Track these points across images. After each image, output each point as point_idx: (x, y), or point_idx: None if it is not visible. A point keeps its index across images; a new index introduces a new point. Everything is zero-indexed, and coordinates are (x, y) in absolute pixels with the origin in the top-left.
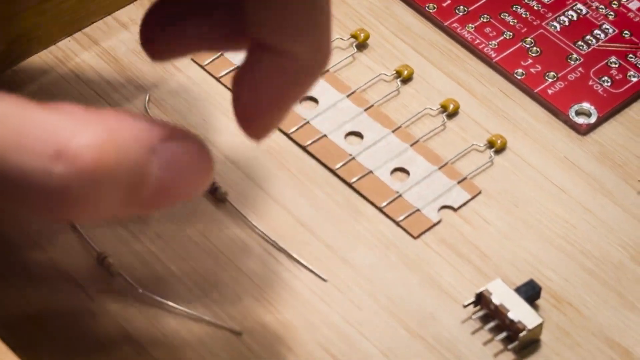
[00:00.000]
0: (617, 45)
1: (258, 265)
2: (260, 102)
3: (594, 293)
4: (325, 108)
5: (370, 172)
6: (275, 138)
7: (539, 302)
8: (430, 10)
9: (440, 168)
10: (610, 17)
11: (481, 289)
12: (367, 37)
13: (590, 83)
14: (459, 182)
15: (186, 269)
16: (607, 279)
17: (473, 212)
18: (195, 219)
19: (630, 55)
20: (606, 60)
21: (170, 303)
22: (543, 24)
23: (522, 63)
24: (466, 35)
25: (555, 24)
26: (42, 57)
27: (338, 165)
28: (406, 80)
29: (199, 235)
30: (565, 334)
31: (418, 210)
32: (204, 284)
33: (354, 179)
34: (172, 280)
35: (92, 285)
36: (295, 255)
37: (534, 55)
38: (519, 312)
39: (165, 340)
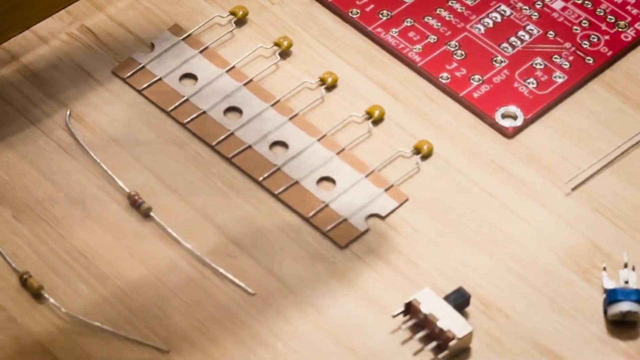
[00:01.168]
0: (542, 46)
1: (184, 281)
2: None
3: (524, 298)
4: (249, 118)
5: (296, 182)
6: (199, 150)
7: (469, 309)
8: (354, 16)
9: (367, 176)
10: (534, 17)
11: (410, 299)
12: (290, 45)
13: (516, 85)
14: (386, 190)
15: (111, 287)
16: (536, 283)
17: (401, 220)
18: (120, 235)
19: (555, 56)
20: (531, 62)
21: (96, 323)
22: (467, 26)
23: (447, 67)
24: (390, 40)
25: (479, 26)
26: None
27: (263, 176)
28: (330, 87)
29: (124, 251)
30: (495, 341)
31: (345, 219)
32: (129, 302)
33: (279, 190)
34: (97, 299)
35: (15, 306)
36: (221, 270)
37: (458, 58)
38: (449, 320)
39: None
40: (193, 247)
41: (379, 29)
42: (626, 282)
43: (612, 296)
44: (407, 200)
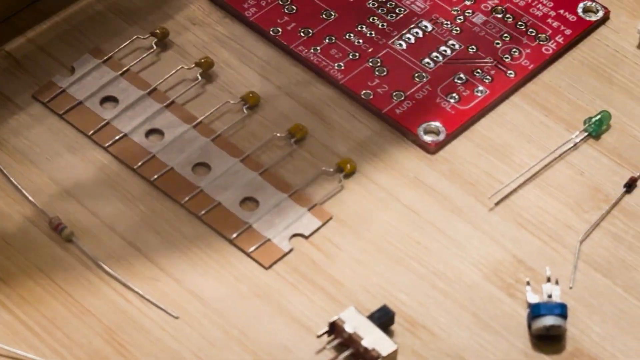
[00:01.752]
0: (464, 60)
1: (107, 305)
2: None
3: (448, 314)
4: (171, 140)
5: (219, 203)
6: (120, 173)
7: (394, 327)
8: (275, 34)
9: (290, 196)
10: (455, 32)
11: (334, 318)
12: (211, 65)
13: (438, 101)
14: (309, 209)
15: (32, 313)
16: (460, 299)
17: (325, 239)
18: (41, 260)
19: (477, 70)
20: (453, 77)
21: (19, 351)
22: (389, 42)
23: (369, 83)
24: (312, 58)
25: (401, 42)
26: None
27: (186, 199)
28: (253, 106)
29: (45, 277)
30: (420, 358)
31: (269, 240)
32: (51, 328)
33: (202, 212)
34: (17, 326)
35: None
36: (143, 293)
37: (380, 75)
38: (373, 339)
39: None
40: (115, 271)
41: (300, 47)
42: (549, 296)
43: (535, 311)
44: (330, 218)
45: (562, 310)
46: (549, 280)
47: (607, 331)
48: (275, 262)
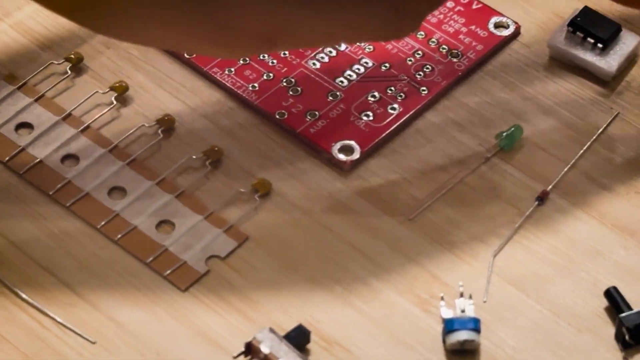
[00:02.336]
0: (377, 78)
1: (23, 332)
2: None
3: (364, 332)
4: (86, 165)
5: (135, 227)
6: (36, 199)
7: (310, 345)
8: (189, 57)
9: (206, 218)
10: (368, 50)
11: (250, 338)
12: (126, 89)
13: (352, 119)
14: (225, 231)
15: None
16: (376, 316)
17: (241, 260)
18: None
19: (391, 88)
20: (367, 95)
21: None
22: (302, 62)
23: (284, 104)
24: (226, 80)
25: (314, 61)
26: None
27: (102, 223)
28: (168, 129)
29: None
30: None
31: (185, 262)
32: None
33: (119, 236)
34: None
35: None
36: (60, 319)
37: (294, 94)
38: (289, 359)
39: None
40: (31, 297)
41: (215, 69)
42: (462, 311)
43: (449, 326)
44: (246, 239)
45: (475, 325)
46: (462, 295)
47: (521, 344)
48: (191, 285)
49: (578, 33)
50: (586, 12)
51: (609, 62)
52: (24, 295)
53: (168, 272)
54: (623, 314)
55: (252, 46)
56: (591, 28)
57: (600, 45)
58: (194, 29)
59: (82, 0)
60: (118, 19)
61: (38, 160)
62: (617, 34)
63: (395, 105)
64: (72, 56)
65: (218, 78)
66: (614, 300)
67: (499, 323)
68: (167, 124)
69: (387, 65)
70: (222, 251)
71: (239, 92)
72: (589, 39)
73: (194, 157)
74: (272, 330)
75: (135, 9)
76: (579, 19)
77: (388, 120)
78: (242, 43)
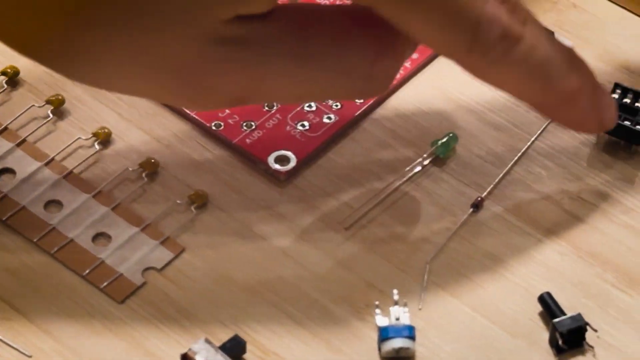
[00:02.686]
0: None
1: None
2: None
3: (300, 341)
4: (22, 178)
5: (72, 240)
6: None
7: (246, 356)
8: None
9: (142, 229)
10: None
11: (185, 350)
12: (62, 102)
13: (288, 129)
14: (161, 242)
15: None
16: (312, 325)
17: (177, 271)
18: None
19: None
20: (303, 105)
21: None
22: None
23: (220, 115)
24: None
25: None
26: None
27: (39, 236)
28: (105, 142)
29: None
30: None
31: (121, 274)
32: None
33: (55, 249)
34: None
35: None
36: None
37: None
38: None
39: None
40: None
41: None
42: (397, 319)
43: (384, 334)
44: (183, 250)
45: (410, 332)
46: (396, 303)
47: (456, 350)
48: (128, 297)
49: None
50: None
51: None
52: None
53: (104, 284)
54: (556, 319)
55: (223, 103)
56: None
57: None
58: (168, 87)
59: (59, 48)
60: (94, 68)
61: None
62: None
63: (331, 115)
64: (9, 70)
65: None
66: (548, 306)
67: (434, 330)
68: (103, 137)
69: None
70: (158, 263)
71: None
72: None
73: (130, 169)
74: (207, 341)
75: (112, 61)
76: None
77: (324, 129)
78: (213, 100)
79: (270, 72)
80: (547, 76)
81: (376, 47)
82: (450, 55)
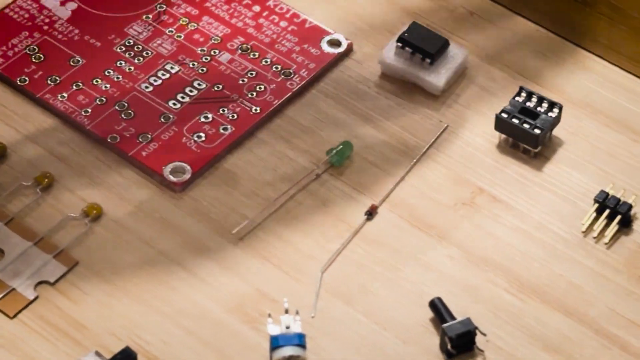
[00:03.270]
0: (210, 99)
1: None
2: None
3: (192, 351)
4: None
5: None
6: None
7: None
8: (22, 84)
9: (35, 243)
10: (201, 72)
11: None
12: None
13: (184, 140)
14: (55, 256)
15: None
16: (205, 335)
17: (70, 284)
18: None
19: (223, 108)
20: (199, 116)
21: None
22: (136, 85)
23: (116, 127)
24: (59, 105)
25: (147, 84)
26: None
27: None
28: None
29: None
30: None
31: (13, 289)
32: None
33: None
34: None
35: None
36: None
37: (127, 118)
38: None
39: None
40: None
41: (47, 95)
42: (288, 327)
43: (274, 342)
44: (77, 264)
45: (300, 340)
46: (287, 311)
47: (348, 357)
48: (20, 311)
49: (407, 48)
50: (414, 27)
51: (438, 77)
52: None
53: None
54: (446, 324)
55: None
56: (419, 43)
57: (428, 60)
58: None
59: None
60: None
61: None
62: (445, 48)
63: (228, 126)
64: None
65: (51, 103)
66: (438, 311)
67: (327, 337)
68: None
69: (219, 86)
70: (51, 276)
71: (71, 117)
72: (417, 54)
73: (25, 183)
74: (97, 354)
75: None
76: (406, 34)
77: (220, 140)
78: None
79: None
80: None
81: None
82: None
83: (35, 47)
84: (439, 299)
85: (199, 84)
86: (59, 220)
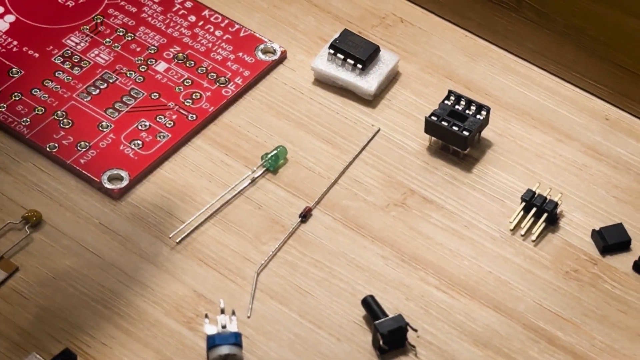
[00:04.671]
0: (147, 107)
1: None
2: None
3: (132, 352)
4: None
5: None
6: None
7: None
8: None
9: None
10: (139, 80)
11: None
12: None
13: (122, 148)
14: None
15: None
16: (143, 337)
17: (11, 290)
18: None
19: (160, 116)
20: (137, 124)
21: None
22: (74, 95)
23: (55, 136)
24: None
25: (85, 94)
26: None
27: None
28: None
29: None
30: None
31: None
32: None
33: None
34: None
35: None
36: None
37: (66, 127)
38: None
39: None
40: None
41: None
42: (224, 327)
43: (211, 342)
44: (17, 269)
45: (236, 339)
46: (222, 311)
47: (283, 356)
48: None
49: (338, 55)
50: (345, 34)
51: (369, 82)
52: None
53: None
54: (378, 321)
55: None
56: (350, 50)
57: (359, 65)
58: None
59: None
60: None
61: None
62: (376, 54)
63: (165, 133)
64: None
65: None
66: (370, 308)
67: (263, 337)
68: None
69: (157, 94)
70: None
71: (10, 127)
72: (349, 60)
73: None
74: (37, 356)
75: None
76: (338, 41)
77: (156, 147)
78: None
79: None
80: None
81: None
82: None
83: None
84: (372, 296)
85: (136, 93)
86: None
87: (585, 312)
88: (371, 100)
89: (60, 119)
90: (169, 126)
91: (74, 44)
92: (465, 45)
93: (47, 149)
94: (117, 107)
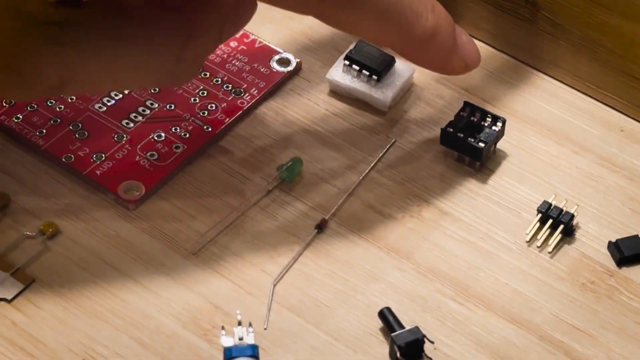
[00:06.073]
0: (162, 118)
1: None
2: None
3: None
4: None
5: None
6: None
7: None
8: None
9: None
10: (154, 91)
11: None
12: None
13: (137, 159)
14: (12, 274)
15: None
16: (159, 349)
17: (27, 302)
18: None
19: (175, 127)
20: (152, 135)
21: None
22: (89, 106)
23: (71, 147)
24: (14, 126)
25: (100, 105)
26: None
27: None
28: None
29: None
30: None
31: None
32: None
33: None
34: None
35: None
36: None
37: (81, 138)
38: None
39: None
40: None
41: (2, 117)
42: (241, 339)
43: (227, 354)
44: (33, 281)
45: (253, 351)
46: (240, 323)
47: None
48: None
49: (354, 66)
50: (361, 45)
51: (385, 93)
52: None
53: None
54: (395, 333)
55: (41, 90)
56: (366, 61)
57: (375, 77)
58: None
59: None
60: None
61: None
62: (391, 65)
63: (180, 144)
64: None
65: (6, 124)
66: (387, 320)
67: (279, 349)
68: None
69: (172, 105)
70: (8, 294)
71: (26, 138)
72: (364, 71)
73: None
74: None
75: None
76: (353, 52)
77: (172, 158)
78: (32, 86)
79: (86, 53)
80: (401, 18)
81: (186, 31)
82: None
83: None
84: (388, 308)
85: (152, 104)
86: (16, 238)
87: (602, 324)
88: (386, 112)
89: (76, 130)
90: (185, 137)
91: None
92: (481, 57)
93: (63, 160)
94: (132, 118)
